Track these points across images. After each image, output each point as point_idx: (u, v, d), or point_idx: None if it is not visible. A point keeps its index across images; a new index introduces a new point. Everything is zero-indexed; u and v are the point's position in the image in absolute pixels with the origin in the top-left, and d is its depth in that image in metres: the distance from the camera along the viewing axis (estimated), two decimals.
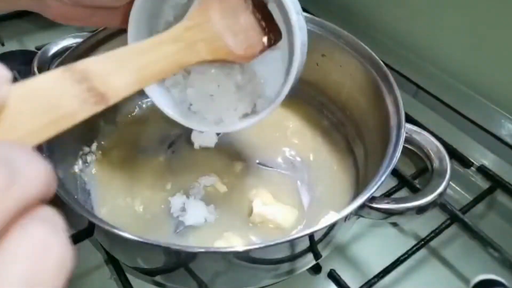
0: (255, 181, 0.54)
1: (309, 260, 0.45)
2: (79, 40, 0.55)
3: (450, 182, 0.44)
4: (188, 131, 0.59)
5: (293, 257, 0.41)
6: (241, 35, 0.35)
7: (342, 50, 0.57)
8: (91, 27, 0.56)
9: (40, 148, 0.43)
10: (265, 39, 0.36)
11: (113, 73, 0.26)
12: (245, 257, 0.38)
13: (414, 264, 0.52)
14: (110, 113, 0.61)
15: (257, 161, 0.57)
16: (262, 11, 0.36)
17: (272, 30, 0.36)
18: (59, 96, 0.23)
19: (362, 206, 0.40)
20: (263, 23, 0.36)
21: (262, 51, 0.37)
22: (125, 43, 0.42)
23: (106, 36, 0.55)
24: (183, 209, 0.51)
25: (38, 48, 0.63)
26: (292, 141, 0.60)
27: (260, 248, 0.36)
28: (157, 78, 0.32)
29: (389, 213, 0.42)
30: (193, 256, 0.38)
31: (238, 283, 0.45)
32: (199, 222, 0.49)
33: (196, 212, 0.50)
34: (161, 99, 0.44)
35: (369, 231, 0.55)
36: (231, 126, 0.43)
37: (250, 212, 0.50)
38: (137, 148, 0.59)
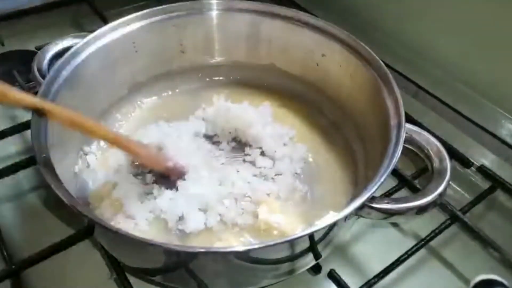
0: (255, 181, 0.54)
1: (309, 260, 0.45)
2: (79, 40, 0.55)
3: (450, 182, 0.44)
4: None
5: (293, 257, 0.41)
6: None
7: (342, 50, 0.57)
8: (90, 27, 0.57)
9: (42, 148, 0.43)
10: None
11: None
12: (245, 257, 0.38)
13: (414, 264, 0.52)
14: (110, 113, 0.61)
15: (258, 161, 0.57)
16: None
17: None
18: None
19: (362, 206, 0.40)
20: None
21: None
22: (120, 42, 0.54)
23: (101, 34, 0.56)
24: (182, 218, 0.50)
25: (38, 48, 0.63)
26: (292, 141, 0.60)
27: (260, 248, 0.36)
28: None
29: (389, 213, 0.42)
30: (193, 256, 0.38)
31: (238, 283, 0.45)
32: (199, 227, 0.49)
33: (194, 218, 0.49)
34: None
35: (369, 231, 0.55)
36: None
37: (255, 217, 0.50)
38: None
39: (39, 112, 0.41)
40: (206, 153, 0.58)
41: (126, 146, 0.48)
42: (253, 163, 0.57)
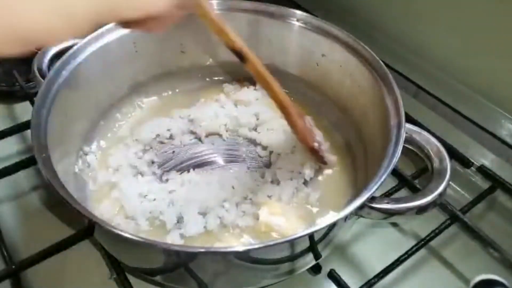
0: (256, 182, 0.54)
1: (309, 260, 0.45)
2: (79, 40, 0.55)
3: (450, 182, 0.44)
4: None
5: (293, 257, 0.41)
6: None
7: (342, 50, 0.57)
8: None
9: (42, 148, 0.43)
10: None
11: None
12: (245, 257, 0.38)
13: (414, 264, 0.52)
14: (110, 113, 0.61)
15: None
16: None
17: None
18: None
19: (362, 206, 0.40)
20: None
21: None
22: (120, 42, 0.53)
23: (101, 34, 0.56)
24: (181, 221, 0.49)
25: (38, 48, 0.63)
26: (292, 141, 0.60)
27: (260, 248, 0.36)
28: None
29: (389, 213, 0.42)
30: (193, 256, 0.38)
31: (238, 283, 0.45)
32: (199, 231, 0.49)
33: (194, 221, 0.49)
34: None
35: (369, 231, 0.55)
36: None
37: (256, 219, 0.50)
38: (136, 147, 0.59)
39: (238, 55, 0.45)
40: (207, 154, 0.58)
41: (288, 111, 0.50)
42: (253, 163, 0.57)
